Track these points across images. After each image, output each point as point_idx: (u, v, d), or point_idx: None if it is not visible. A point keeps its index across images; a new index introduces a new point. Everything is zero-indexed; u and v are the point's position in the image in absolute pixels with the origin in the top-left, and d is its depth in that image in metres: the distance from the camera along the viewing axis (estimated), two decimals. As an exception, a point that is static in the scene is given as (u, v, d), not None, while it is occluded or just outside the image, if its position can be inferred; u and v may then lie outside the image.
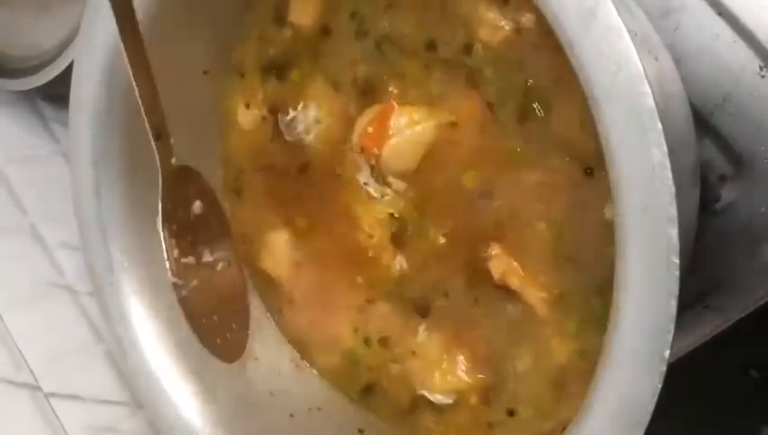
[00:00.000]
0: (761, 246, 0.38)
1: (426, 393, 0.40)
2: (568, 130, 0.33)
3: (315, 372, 0.44)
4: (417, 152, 0.37)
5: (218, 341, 0.39)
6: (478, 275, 0.37)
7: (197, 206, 0.39)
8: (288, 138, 0.42)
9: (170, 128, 0.37)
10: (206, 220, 0.40)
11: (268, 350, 0.45)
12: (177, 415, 0.41)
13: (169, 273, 0.38)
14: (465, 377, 0.38)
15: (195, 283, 0.39)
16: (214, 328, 0.39)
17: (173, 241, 0.38)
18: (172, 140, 0.38)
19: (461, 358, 0.38)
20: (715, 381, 0.47)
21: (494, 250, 0.36)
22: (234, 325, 0.40)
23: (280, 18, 0.41)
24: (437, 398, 0.39)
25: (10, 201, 0.51)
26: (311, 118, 0.41)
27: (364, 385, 0.42)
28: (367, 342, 0.41)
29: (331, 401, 0.43)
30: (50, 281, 0.50)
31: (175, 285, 0.38)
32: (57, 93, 0.50)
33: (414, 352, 0.40)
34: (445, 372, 0.39)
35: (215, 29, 0.41)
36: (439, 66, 0.36)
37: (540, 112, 0.33)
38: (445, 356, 0.39)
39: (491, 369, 0.38)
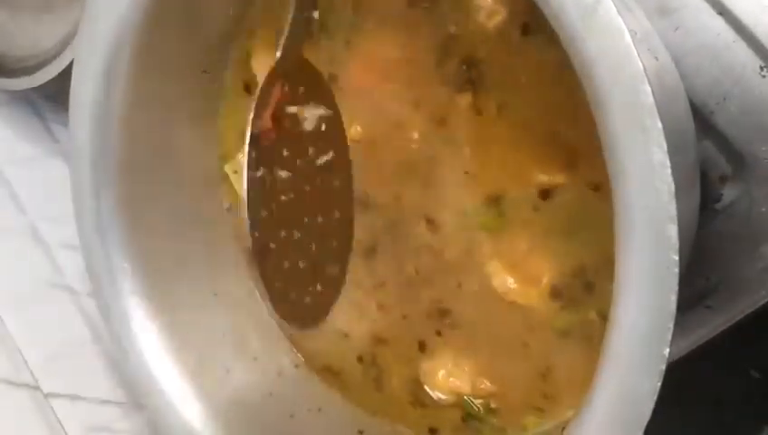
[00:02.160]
0: (762, 246, 0.38)
1: (427, 388, 0.40)
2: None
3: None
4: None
5: (293, 297, 0.34)
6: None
7: (310, 117, 0.33)
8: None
9: (169, 126, 0.37)
10: (319, 138, 0.33)
11: (268, 350, 0.44)
12: (177, 416, 0.41)
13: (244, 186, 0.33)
14: (468, 386, 0.39)
15: (278, 214, 0.33)
16: (291, 280, 0.33)
17: (259, 150, 0.32)
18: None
19: (466, 369, 0.39)
20: (716, 381, 0.47)
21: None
22: (319, 285, 0.34)
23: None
24: (437, 394, 0.40)
25: (10, 201, 0.52)
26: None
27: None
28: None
29: (331, 402, 0.43)
30: (50, 281, 0.50)
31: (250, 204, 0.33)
32: (57, 93, 0.50)
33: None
34: (449, 374, 0.39)
35: (213, 29, 0.41)
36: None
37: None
38: (452, 360, 0.39)
39: (496, 381, 0.38)
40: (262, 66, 0.42)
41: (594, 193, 0.34)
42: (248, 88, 0.43)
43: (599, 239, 0.34)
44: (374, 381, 0.42)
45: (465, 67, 0.35)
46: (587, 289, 0.35)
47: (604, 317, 0.30)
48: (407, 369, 0.41)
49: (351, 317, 0.42)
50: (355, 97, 0.39)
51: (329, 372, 0.44)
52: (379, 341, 0.41)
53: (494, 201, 0.36)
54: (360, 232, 0.40)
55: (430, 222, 0.38)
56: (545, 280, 0.36)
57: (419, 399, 0.41)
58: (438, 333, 0.39)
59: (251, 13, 0.41)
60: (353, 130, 0.39)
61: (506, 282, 0.37)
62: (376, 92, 0.38)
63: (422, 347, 0.40)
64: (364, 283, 0.41)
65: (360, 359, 0.42)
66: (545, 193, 0.35)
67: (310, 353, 0.44)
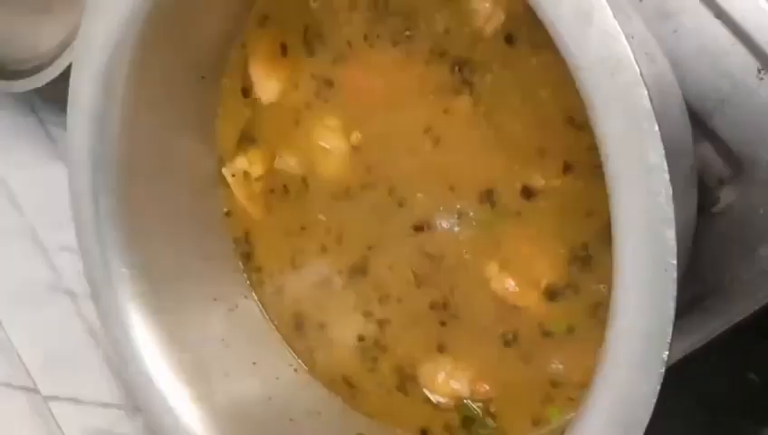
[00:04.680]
0: (759, 248, 0.38)
1: (426, 391, 0.40)
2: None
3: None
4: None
5: None
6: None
7: None
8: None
9: (168, 129, 0.37)
10: None
11: (267, 354, 0.45)
12: (176, 420, 0.41)
13: None
14: (467, 389, 0.39)
15: None
16: None
17: None
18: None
19: (465, 372, 0.39)
20: (714, 385, 0.47)
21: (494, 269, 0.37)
22: None
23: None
24: (436, 397, 0.40)
25: (8, 204, 0.52)
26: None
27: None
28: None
29: (331, 405, 0.43)
30: (48, 284, 0.50)
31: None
32: (56, 96, 0.50)
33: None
34: (449, 377, 0.39)
35: (212, 34, 0.41)
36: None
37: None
38: (452, 363, 0.39)
39: (494, 386, 0.38)
40: (260, 71, 0.42)
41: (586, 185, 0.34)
42: (246, 92, 0.43)
43: (592, 214, 0.34)
44: (371, 360, 0.42)
45: (458, 69, 0.36)
46: (585, 265, 0.35)
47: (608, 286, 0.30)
48: (405, 355, 0.41)
49: (352, 319, 0.42)
50: (353, 103, 0.39)
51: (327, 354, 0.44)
52: (381, 322, 0.42)
53: (487, 196, 0.36)
54: (354, 238, 0.41)
55: (428, 226, 0.38)
56: (544, 282, 0.36)
57: (405, 388, 0.41)
58: (443, 324, 0.39)
59: (249, 18, 0.41)
60: (353, 137, 0.39)
61: (505, 284, 0.37)
62: (373, 99, 0.38)
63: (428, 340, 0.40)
64: (364, 292, 0.41)
65: (360, 338, 0.42)
66: (538, 191, 0.35)
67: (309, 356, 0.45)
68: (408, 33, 0.37)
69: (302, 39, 0.40)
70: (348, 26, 0.38)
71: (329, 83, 0.40)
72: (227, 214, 0.45)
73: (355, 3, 0.38)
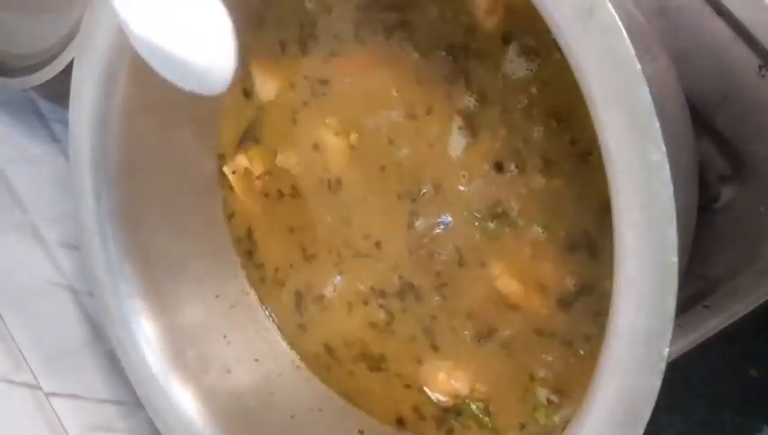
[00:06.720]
0: (760, 245, 0.38)
1: (426, 389, 0.40)
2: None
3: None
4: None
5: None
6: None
7: None
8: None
9: (169, 126, 0.37)
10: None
11: (269, 351, 0.45)
12: (178, 416, 0.41)
13: None
14: (467, 388, 0.39)
15: None
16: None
17: None
18: None
19: (465, 371, 0.39)
20: (715, 381, 0.47)
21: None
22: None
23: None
24: (436, 396, 0.40)
25: (10, 200, 0.52)
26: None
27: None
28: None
29: (332, 402, 0.44)
30: (50, 280, 0.50)
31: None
32: (57, 92, 0.50)
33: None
34: (449, 377, 0.39)
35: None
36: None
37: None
38: (453, 362, 0.39)
39: (492, 384, 0.38)
40: (260, 70, 0.42)
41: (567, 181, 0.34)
42: (246, 91, 0.43)
43: (591, 196, 0.34)
44: (370, 357, 0.42)
45: (451, 58, 0.36)
46: (592, 255, 0.34)
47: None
48: (403, 352, 0.41)
49: (352, 314, 0.42)
50: (349, 103, 0.39)
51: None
52: (380, 318, 0.42)
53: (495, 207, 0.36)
54: (355, 235, 0.41)
55: (429, 222, 0.38)
56: (544, 280, 0.36)
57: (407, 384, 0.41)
58: (440, 321, 0.39)
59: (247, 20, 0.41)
60: (352, 133, 0.39)
61: (507, 283, 0.37)
62: (370, 95, 0.38)
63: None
64: (365, 287, 0.42)
65: (360, 333, 0.42)
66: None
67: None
68: (403, 29, 0.37)
69: (297, 39, 0.40)
70: (341, 23, 0.38)
71: (325, 82, 0.40)
72: (229, 212, 0.45)
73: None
